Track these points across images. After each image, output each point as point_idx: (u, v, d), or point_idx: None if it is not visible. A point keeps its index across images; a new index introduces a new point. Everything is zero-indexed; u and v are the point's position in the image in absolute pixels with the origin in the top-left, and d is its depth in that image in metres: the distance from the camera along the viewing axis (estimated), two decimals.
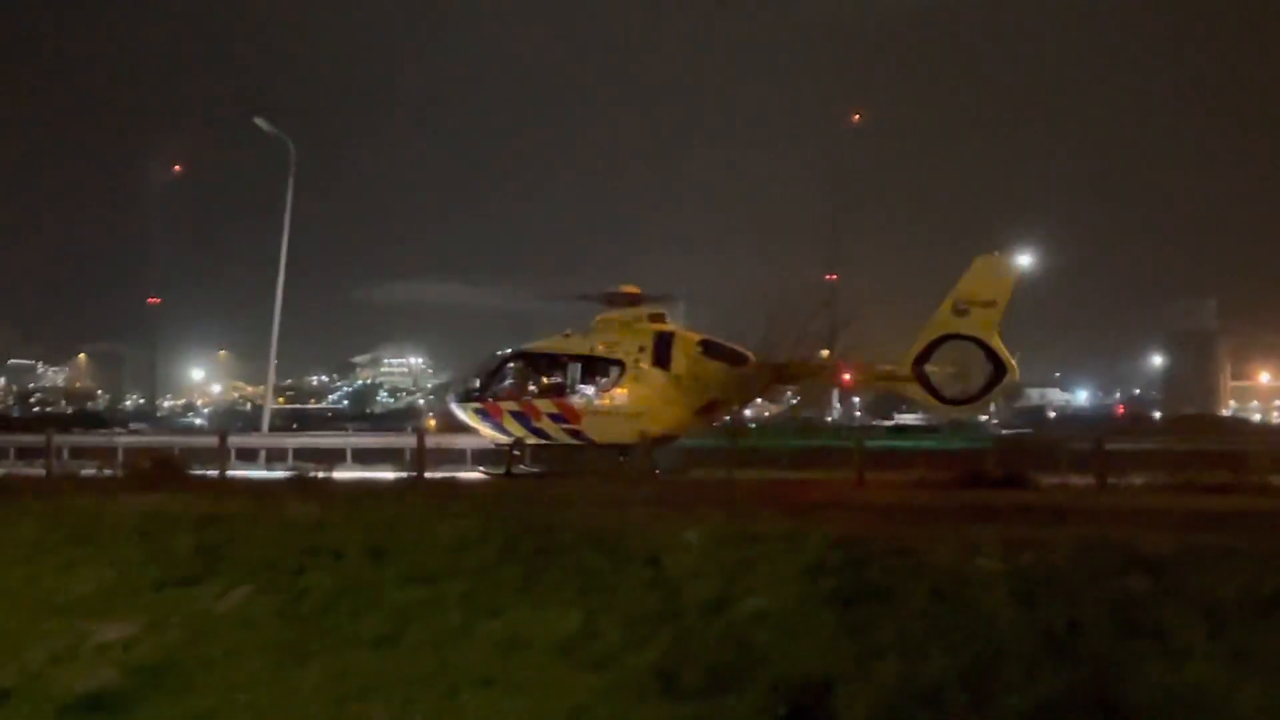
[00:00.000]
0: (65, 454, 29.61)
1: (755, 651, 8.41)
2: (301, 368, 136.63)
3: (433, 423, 44.98)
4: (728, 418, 25.96)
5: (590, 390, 25.59)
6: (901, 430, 41.23)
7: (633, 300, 26.47)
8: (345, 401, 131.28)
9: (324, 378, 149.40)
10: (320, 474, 21.28)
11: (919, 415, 43.75)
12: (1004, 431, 41.51)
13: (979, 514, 12.83)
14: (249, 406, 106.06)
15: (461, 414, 27.36)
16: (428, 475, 22.45)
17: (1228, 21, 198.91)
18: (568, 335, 26.57)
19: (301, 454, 29.25)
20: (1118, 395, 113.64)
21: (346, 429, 50.90)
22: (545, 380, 26.19)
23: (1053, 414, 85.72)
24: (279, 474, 22.91)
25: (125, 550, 12.69)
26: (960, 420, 29.78)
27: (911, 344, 24.51)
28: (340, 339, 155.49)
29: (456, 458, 28.25)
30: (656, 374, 25.17)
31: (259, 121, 40.80)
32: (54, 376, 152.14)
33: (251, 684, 9.42)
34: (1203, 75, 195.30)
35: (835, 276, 59.23)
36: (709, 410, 25.39)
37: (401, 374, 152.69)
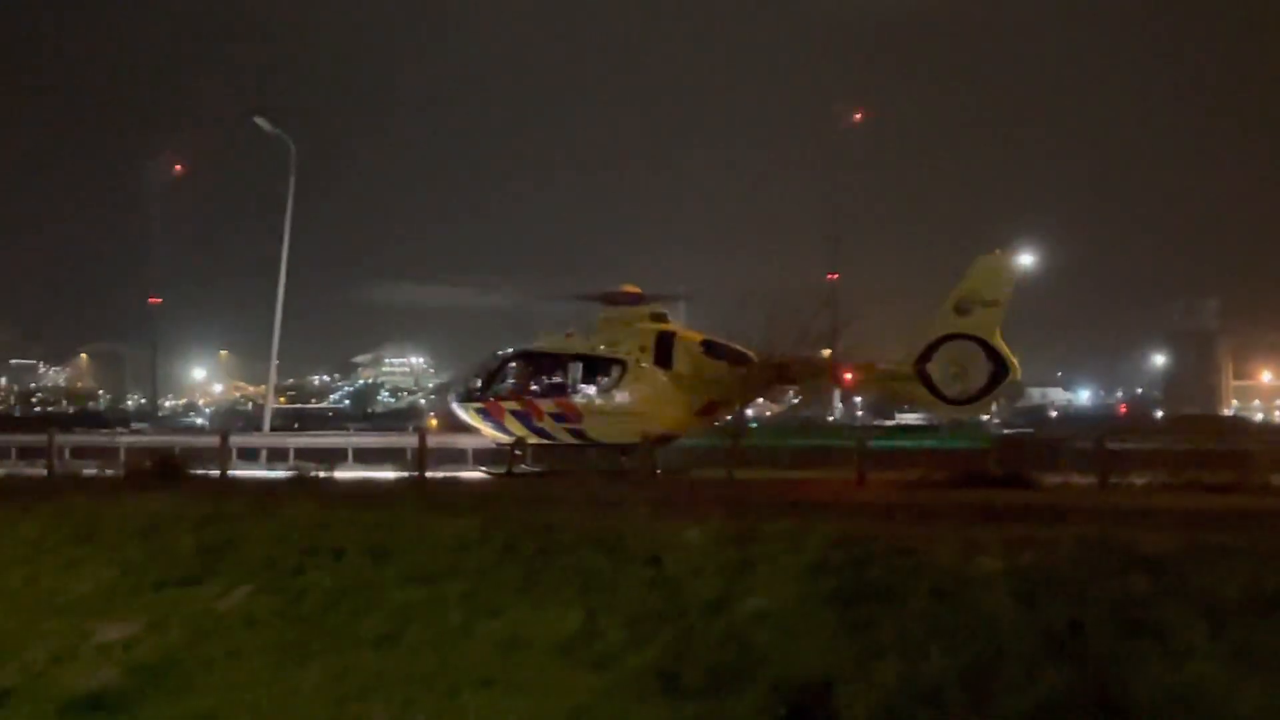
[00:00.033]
0: (67, 454, 29.64)
1: (756, 651, 8.41)
2: (303, 367, 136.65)
3: (434, 422, 44.95)
4: (729, 417, 26.00)
5: (592, 390, 25.60)
6: (903, 430, 41.21)
7: (634, 300, 26.48)
8: (347, 401, 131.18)
9: (325, 377, 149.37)
10: (322, 474, 21.32)
11: (921, 415, 43.70)
12: (1005, 431, 41.44)
13: (980, 513, 12.83)
14: (250, 406, 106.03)
15: (463, 414, 27.39)
16: (429, 475, 22.47)
17: (1228, 21, 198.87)
18: (569, 335, 26.58)
19: (303, 454, 29.32)
20: (1119, 395, 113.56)
21: (348, 428, 50.89)
22: (547, 380, 26.20)
23: (1054, 413, 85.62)
24: (280, 474, 22.94)
25: (126, 550, 12.71)
26: (961, 420, 29.75)
27: (913, 343, 24.49)
28: (341, 338, 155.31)
29: (458, 457, 28.29)
30: (658, 374, 25.16)
31: (259, 121, 40.88)
32: (55, 376, 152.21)
33: (252, 684, 9.43)
34: (1203, 75, 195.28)
35: (836, 276, 59.41)
36: (710, 410, 25.39)
37: (403, 373, 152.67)
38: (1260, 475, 18.77)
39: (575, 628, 9.26)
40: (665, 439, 24.73)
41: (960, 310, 23.88)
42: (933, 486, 19.07)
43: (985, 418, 38.54)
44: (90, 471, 23.98)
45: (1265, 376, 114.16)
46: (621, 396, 25.27)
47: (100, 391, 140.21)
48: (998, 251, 25.77)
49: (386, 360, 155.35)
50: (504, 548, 11.16)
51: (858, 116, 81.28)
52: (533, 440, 26.07)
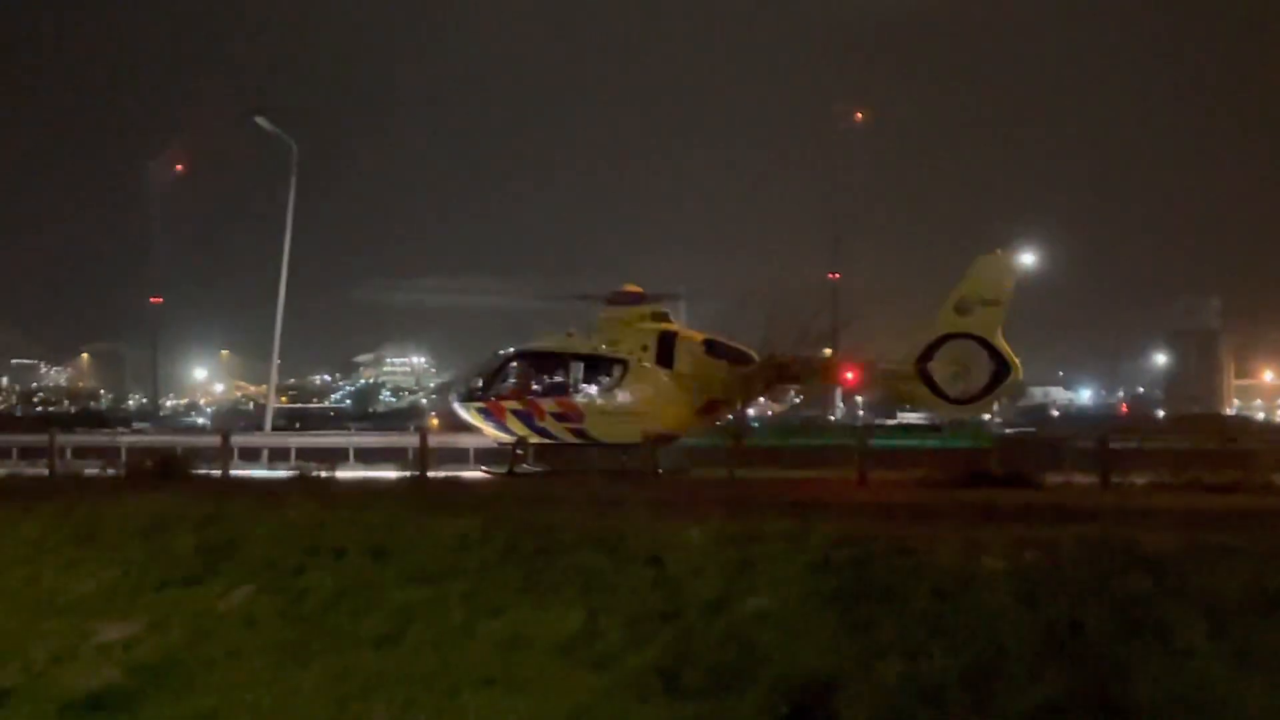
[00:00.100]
0: (68, 454, 29.63)
1: (757, 651, 8.40)
2: (304, 367, 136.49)
3: (435, 422, 44.94)
4: (730, 417, 26.00)
5: (593, 389, 25.62)
6: (904, 429, 41.17)
7: (635, 299, 26.48)
8: (348, 401, 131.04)
9: (327, 377, 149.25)
10: (323, 473, 21.30)
11: (922, 414, 43.68)
12: (1007, 430, 41.43)
13: (981, 513, 12.81)
14: (252, 406, 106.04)
15: (465, 413, 27.40)
16: (431, 474, 22.47)
17: (1228, 21, 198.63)
18: (570, 334, 26.59)
19: (304, 453, 29.29)
20: (1121, 394, 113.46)
21: (349, 428, 50.88)
22: (548, 379, 26.21)
23: (1056, 413, 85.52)
24: (282, 473, 22.93)
25: (127, 550, 12.71)
26: (963, 419, 29.74)
27: (914, 343, 24.49)
28: (342, 338, 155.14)
29: (459, 457, 28.27)
30: (659, 373, 25.18)
31: (260, 121, 40.86)
32: (56, 376, 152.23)
33: (253, 683, 9.41)
34: (1203, 75, 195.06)
35: (836, 276, 59.36)
36: (712, 409, 25.41)
37: (404, 373, 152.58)
38: (1261, 475, 18.75)
39: (576, 627, 9.26)
40: (666, 438, 24.73)
41: (961, 310, 23.90)
42: (934, 486, 19.05)
43: (987, 417, 38.55)
44: (91, 471, 23.96)
45: (1267, 376, 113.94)
46: (623, 396, 25.29)
47: (101, 391, 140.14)
48: (998, 251, 25.80)
49: (388, 360, 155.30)
50: (505, 547, 11.16)
51: (858, 116, 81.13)
52: (534, 440, 26.09)
